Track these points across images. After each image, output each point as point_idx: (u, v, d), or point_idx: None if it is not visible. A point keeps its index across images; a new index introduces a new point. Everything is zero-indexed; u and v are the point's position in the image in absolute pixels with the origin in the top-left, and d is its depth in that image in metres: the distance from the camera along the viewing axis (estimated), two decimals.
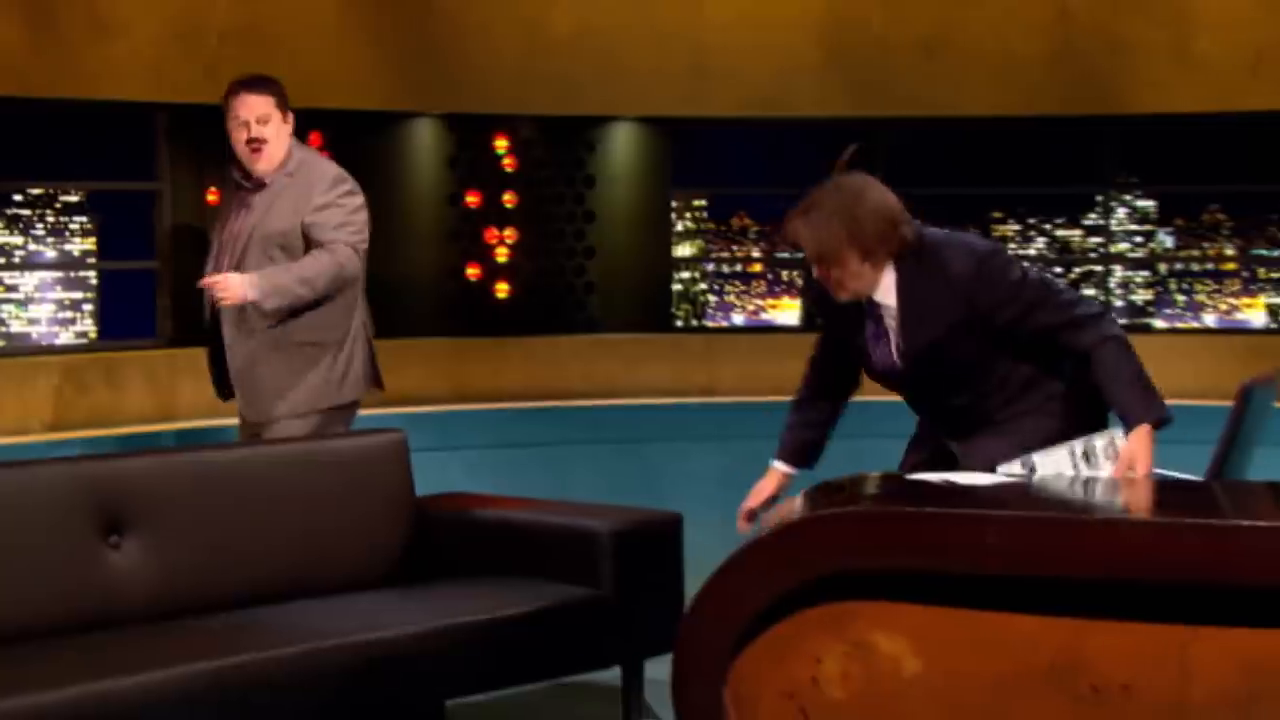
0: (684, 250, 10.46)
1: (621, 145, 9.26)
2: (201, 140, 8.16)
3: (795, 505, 3.66)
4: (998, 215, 11.76)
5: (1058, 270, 11.35)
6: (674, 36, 9.00)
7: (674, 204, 9.67)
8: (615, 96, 9.03)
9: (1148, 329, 9.69)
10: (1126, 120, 9.16)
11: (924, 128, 9.45)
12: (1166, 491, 3.90)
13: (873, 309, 4.31)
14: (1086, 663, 3.29)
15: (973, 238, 4.35)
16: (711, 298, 11.48)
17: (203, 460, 4.77)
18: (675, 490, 7.58)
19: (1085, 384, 4.15)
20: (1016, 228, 11.73)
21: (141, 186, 8.30)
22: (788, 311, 11.52)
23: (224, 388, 5.58)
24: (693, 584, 3.61)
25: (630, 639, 4.76)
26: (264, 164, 5.46)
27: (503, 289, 9.05)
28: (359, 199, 5.53)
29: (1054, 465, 4.10)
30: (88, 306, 10.41)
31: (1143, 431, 4.04)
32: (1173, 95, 8.94)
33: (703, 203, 10.83)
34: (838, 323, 4.42)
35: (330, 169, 5.54)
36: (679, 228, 10.08)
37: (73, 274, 10.66)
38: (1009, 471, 4.06)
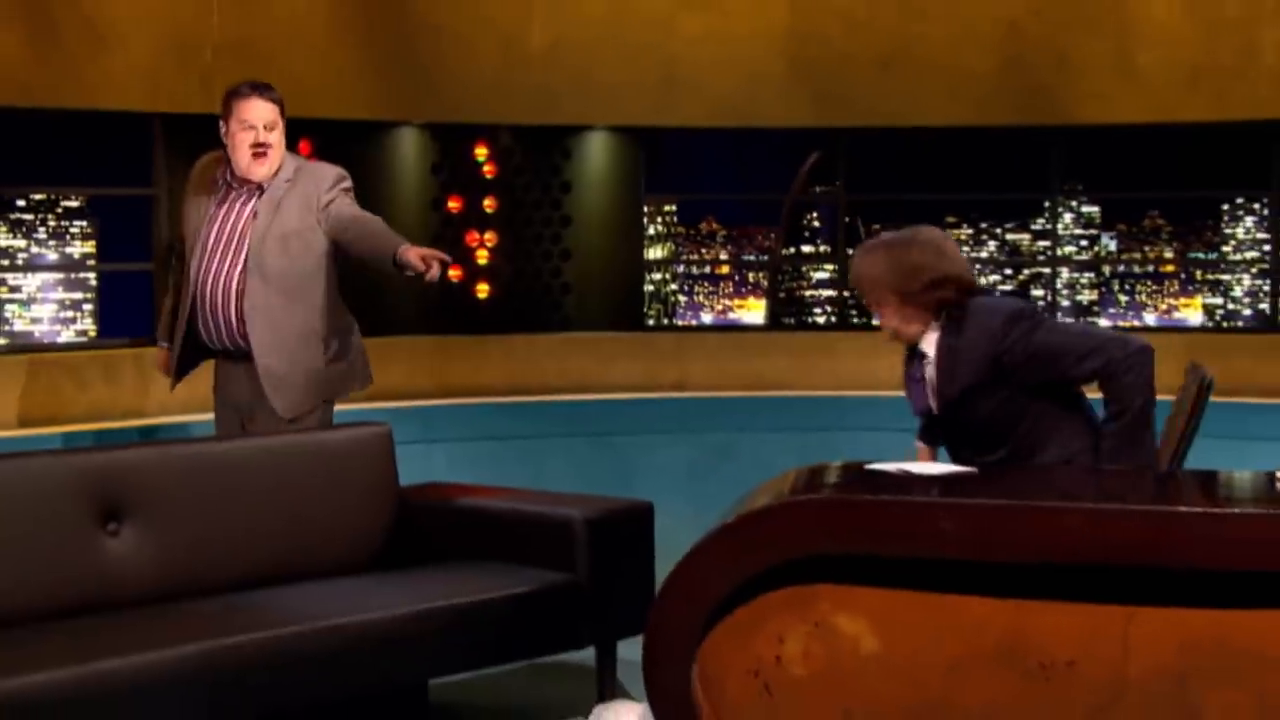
0: (655, 253, 10.47)
1: (596, 153, 9.25)
2: (196, 148, 8.04)
3: (759, 493, 3.67)
4: (952, 220, 11.81)
5: (1008, 272, 11.41)
6: (645, 50, 9.00)
7: (645, 209, 9.66)
8: (589, 107, 9.02)
9: (1093, 325, 9.72)
10: (1072, 131, 9.20)
11: (882, 137, 9.47)
12: (1110, 479, 3.91)
13: (919, 354, 4.40)
14: (1034, 641, 3.31)
15: (1008, 302, 4.36)
16: (681, 298, 11.51)
17: (197, 452, 4.74)
18: (646, 481, 7.58)
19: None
20: (969, 232, 11.78)
21: (139, 192, 8.26)
22: (754, 311, 11.55)
23: (181, 375, 5.54)
24: (663, 569, 3.61)
25: (604, 621, 4.75)
26: (265, 169, 5.39)
27: (483, 290, 9.04)
28: (353, 195, 5.47)
29: None
30: (88, 306, 10.39)
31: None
32: (1116, 107, 8.98)
33: (673, 208, 10.86)
34: None
35: (332, 168, 5.47)
36: (650, 231, 10.09)
37: (73, 275, 10.63)
38: None
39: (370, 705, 4.58)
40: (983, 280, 11.71)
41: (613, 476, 7.84)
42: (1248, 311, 10.53)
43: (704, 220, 11.85)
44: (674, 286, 11.32)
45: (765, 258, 11.76)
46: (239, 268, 5.31)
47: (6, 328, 10.32)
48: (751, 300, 11.73)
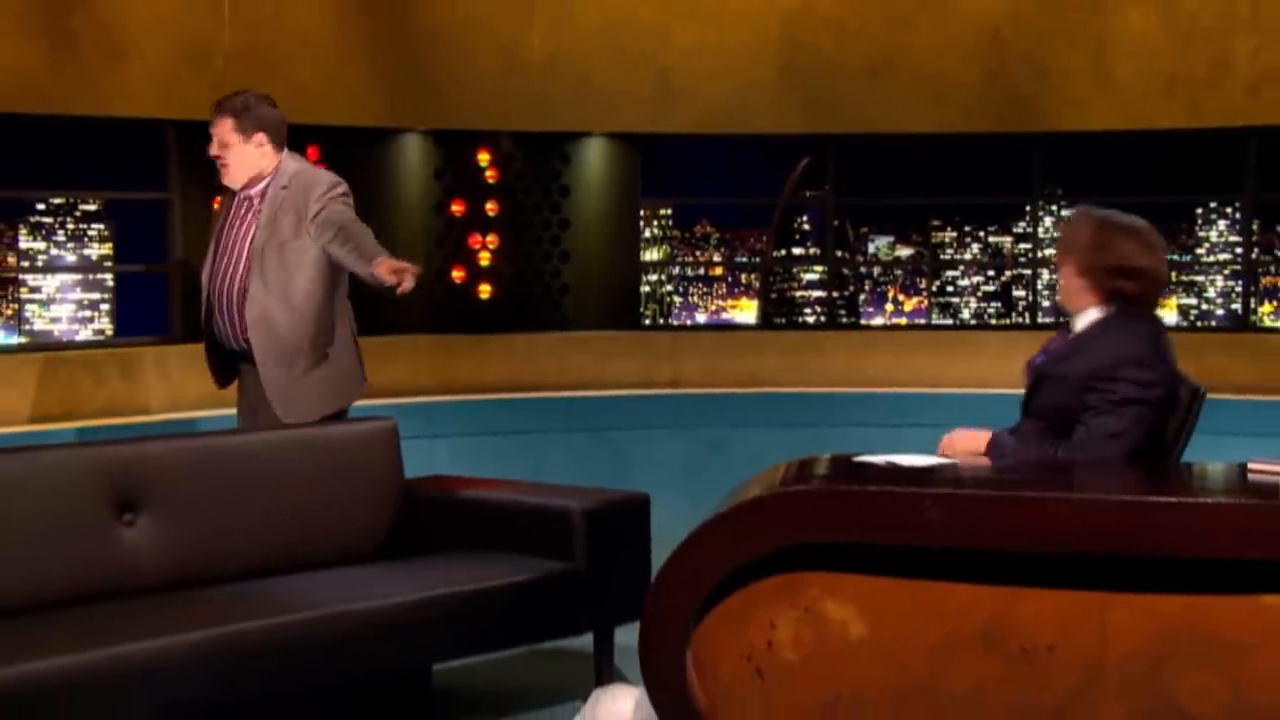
0: (651, 255, 10.47)
1: (593, 159, 9.25)
2: (208, 154, 8.12)
3: (751, 484, 3.67)
4: (937, 223, 11.82)
5: (991, 273, 11.41)
6: (641, 60, 9.00)
7: (642, 212, 9.65)
8: (588, 114, 9.02)
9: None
10: (1052, 137, 9.20)
11: (870, 143, 9.47)
12: (1091, 471, 3.91)
13: (1067, 325, 4.30)
14: (1016, 626, 3.31)
15: (1141, 351, 4.08)
16: (676, 298, 11.51)
17: (210, 445, 4.74)
18: (642, 474, 7.57)
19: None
20: (953, 234, 11.78)
21: (154, 196, 8.25)
22: (746, 311, 11.55)
23: (222, 376, 5.50)
24: (658, 558, 3.60)
25: (601, 608, 4.75)
26: (228, 179, 5.40)
27: (485, 290, 9.03)
28: (351, 202, 5.36)
29: None
30: (105, 306, 10.38)
31: (983, 439, 4.17)
32: (1094, 115, 8.99)
33: (668, 211, 10.86)
34: None
35: (326, 175, 5.39)
36: (646, 234, 10.09)
37: (91, 276, 10.61)
38: None
39: (376, 689, 4.59)
40: (966, 281, 11.72)
41: (610, 470, 7.84)
42: (1221, 312, 10.53)
43: (698, 223, 11.85)
44: (669, 287, 11.31)
45: (757, 260, 11.76)
46: (240, 273, 5.31)
47: (27, 326, 10.31)
48: (744, 300, 11.73)
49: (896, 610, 3.38)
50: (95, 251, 10.60)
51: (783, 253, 11.41)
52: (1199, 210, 10.65)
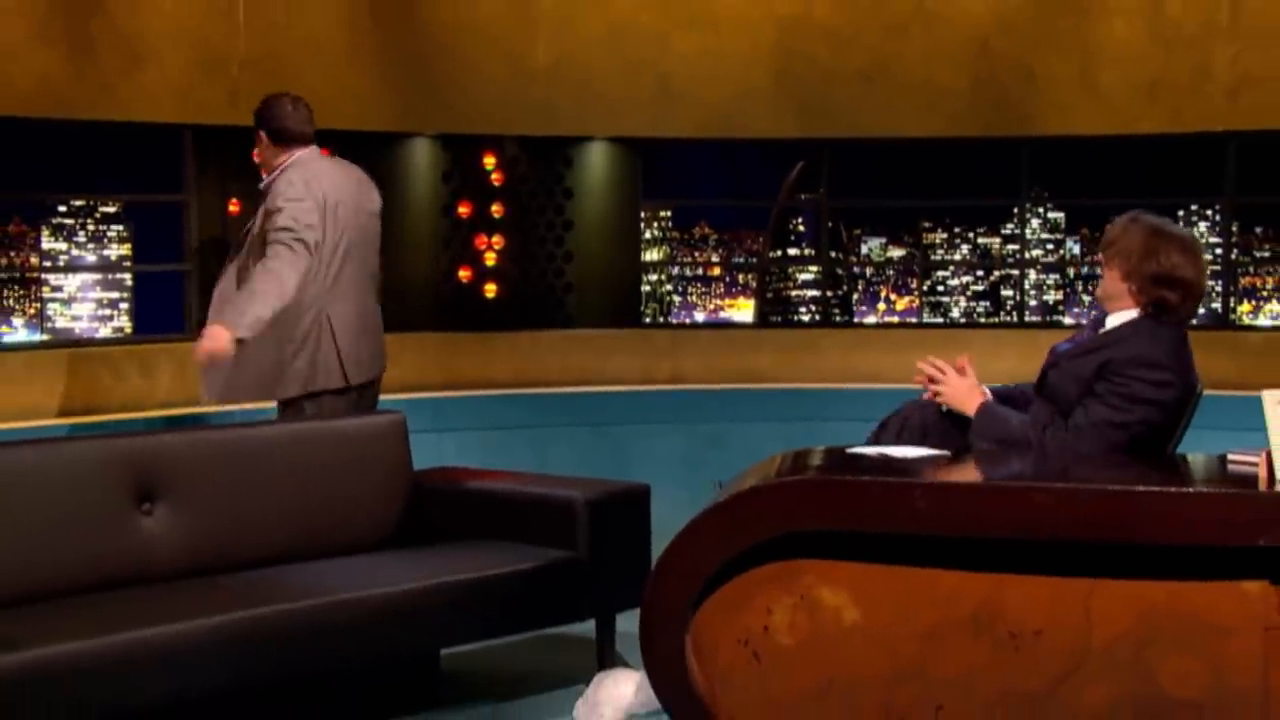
0: (651, 255, 10.45)
1: (596, 162, 9.24)
2: (224, 157, 8.12)
3: (748, 475, 3.67)
4: (927, 225, 11.79)
5: (979, 273, 11.39)
6: (642, 66, 8.99)
7: (642, 214, 9.64)
8: (590, 119, 9.01)
9: (1058, 325, 9.71)
10: (1039, 142, 9.18)
11: (863, 147, 9.45)
12: (1075, 461, 3.91)
13: (1100, 319, 4.27)
14: (1004, 612, 3.31)
15: (1161, 354, 4.07)
16: (676, 297, 11.49)
17: (225, 438, 4.74)
18: (643, 467, 7.56)
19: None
20: (944, 236, 11.76)
21: (171, 198, 8.24)
22: (743, 310, 11.53)
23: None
24: (658, 547, 3.60)
25: (603, 595, 4.75)
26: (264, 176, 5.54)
27: (490, 289, 9.02)
28: (305, 203, 5.27)
29: None
30: (124, 305, 10.36)
31: (973, 403, 4.18)
32: (1080, 120, 8.97)
33: (668, 213, 10.83)
34: None
35: (284, 192, 5.31)
36: (647, 235, 10.07)
37: (110, 276, 10.60)
38: None
39: (385, 673, 4.58)
40: (956, 281, 11.71)
41: (612, 463, 7.83)
42: (1201, 310, 10.51)
43: (697, 225, 11.82)
44: (669, 287, 11.29)
45: (754, 260, 11.75)
46: (236, 264, 5.38)
47: (49, 324, 10.30)
48: (741, 300, 11.71)
49: (889, 597, 3.38)
50: (114, 252, 10.58)
51: (779, 253, 11.40)
52: (1180, 212, 10.61)
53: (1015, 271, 10.25)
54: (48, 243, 10.61)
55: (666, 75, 9.01)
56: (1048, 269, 11.05)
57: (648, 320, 9.87)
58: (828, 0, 9.06)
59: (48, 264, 10.77)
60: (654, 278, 10.68)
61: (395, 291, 8.15)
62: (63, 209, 10.42)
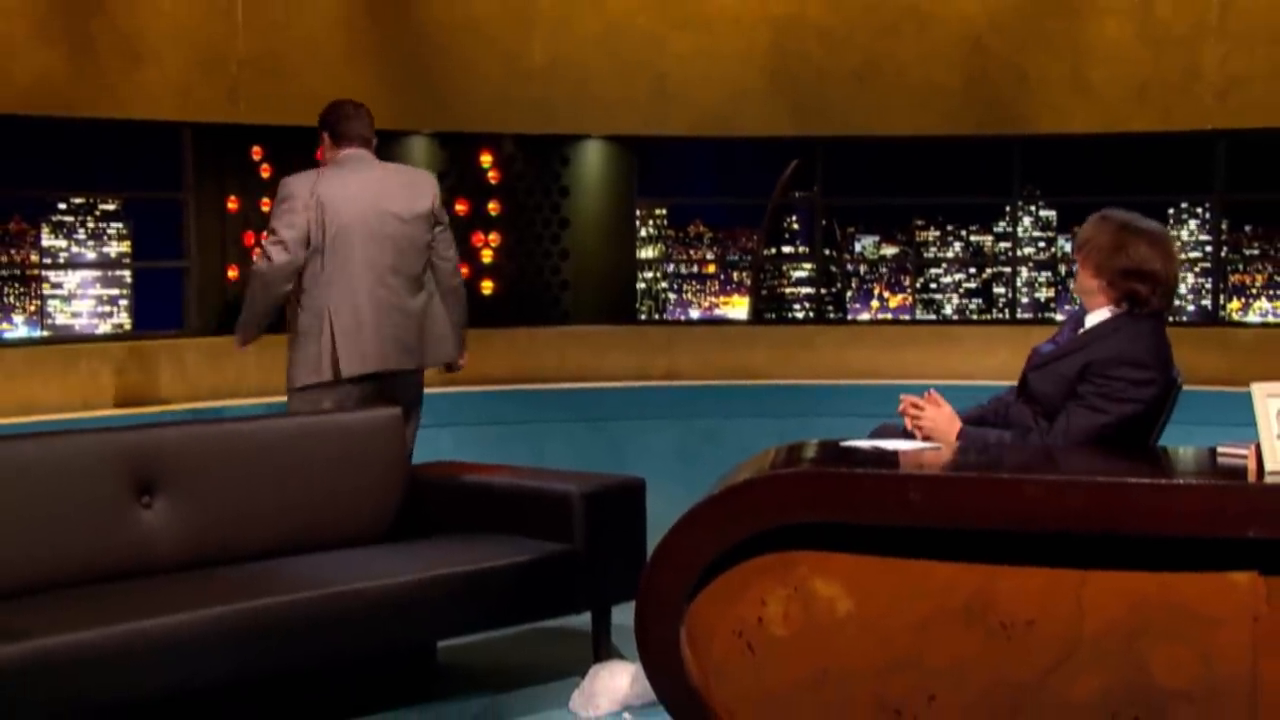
0: (647, 253, 10.45)
1: (591, 161, 9.24)
2: (223, 155, 8.13)
3: (743, 468, 3.66)
4: (920, 222, 11.80)
5: (972, 271, 11.41)
6: (638, 66, 8.99)
7: (638, 212, 9.65)
8: (586, 118, 9.02)
9: (1050, 322, 9.72)
10: (1031, 140, 9.20)
11: (857, 145, 9.46)
12: (1067, 454, 3.91)
13: (1078, 317, 4.28)
14: (996, 602, 3.30)
15: (1141, 351, 4.06)
16: (671, 295, 11.50)
17: (225, 431, 4.73)
18: (638, 461, 7.54)
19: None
20: (936, 233, 11.77)
21: (170, 196, 8.25)
22: (738, 307, 11.54)
23: None
24: (653, 540, 3.60)
25: (599, 588, 4.75)
26: None
27: (488, 286, 9.03)
28: (290, 202, 5.40)
29: None
30: (123, 301, 10.36)
31: (953, 430, 4.17)
32: (1071, 119, 8.99)
33: (663, 211, 10.84)
34: None
35: (313, 173, 5.54)
36: (642, 233, 10.07)
37: (110, 273, 10.60)
38: None
39: (383, 665, 4.58)
40: (949, 279, 11.71)
41: (607, 458, 7.81)
42: (1191, 308, 10.52)
43: (692, 223, 11.83)
44: (664, 284, 11.30)
45: (748, 258, 11.75)
46: None
47: (49, 321, 10.30)
48: (736, 297, 11.72)
49: (882, 588, 3.37)
50: (114, 249, 10.58)
51: (773, 251, 11.40)
52: (1170, 210, 10.64)
53: (1007, 269, 10.26)
54: (48, 240, 10.61)
55: (662, 75, 9.01)
56: (1039, 266, 11.07)
57: (643, 317, 9.88)
58: (821, 0, 9.06)
59: (48, 261, 10.76)
60: (649, 275, 10.68)
61: None
62: (63, 206, 10.42)
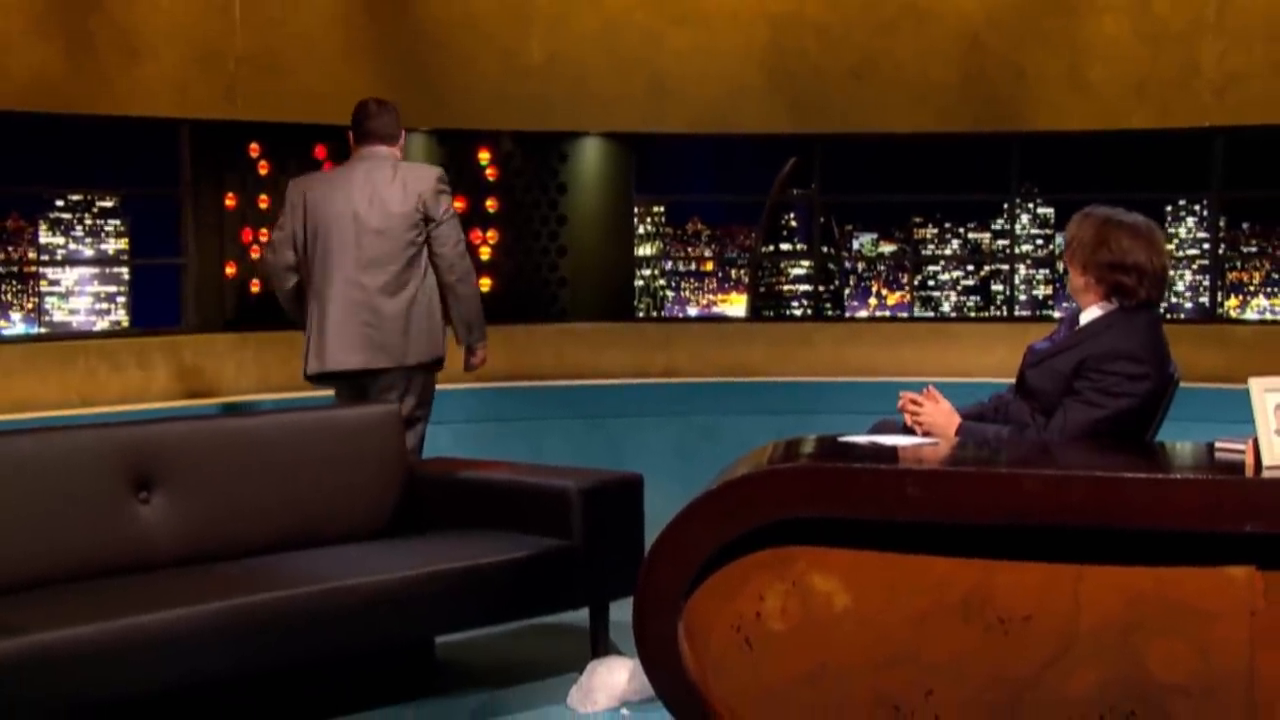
0: (645, 250, 10.46)
1: (590, 158, 9.24)
2: (220, 152, 8.12)
3: (741, 463, 3.66)
4: (918, 220, 11.81)
5: (970, 268, 11.42)
6: (636, 63, 8.99)
7: (636, 209, 9.64)
8: (584, 115, 9.01)
9: (1048, 319, 9.73)
10: (1029, 137, 9.20)
11: (854, 143, 9.46)
12: (1065, 448, 3.92)
13: (1074, 316, 4.29)
14: (993, 597, 3.31)
15: (1135, 346, 4.07)
16: (669, 292, 11.51)
17: (222, 427, 4.75)
18: (636, 458, 7.54)
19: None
20: (934, 231, 11.78)
21: (168, 193, 8.24)
22: (736, 304, 11.55)
23: None
24: (651, 536, 3.60)
25: (597, 583, 4.75)
26: None
27: (485, 283, 9.01)
28: (286, 205, 5.70)
29: None
30: (121, 298, 10.37)
31: (952, 426, 4.17)
32: (1069, 116, 8.98)
33: (661, 209, 10.85)
34: None
35: (321, 171, 5.74)
36: (640, 230, 10.07)
37: (107, 270, 10.60)
38: None
39: (381, 660, 4.58)
40: (947, 276, 11.72)
41: (605, 455, 7.82)
42: (1189, 305, 10.53)
43: (690, 220, 11.84)
44: (662, 281, 11.31)
45: (746, 255, 11.75)
46: None
47: (46, 318, 10.30)
48: (734, 294, 11.73)
49: (880, 583, 3.38)
50: (112, 246, 10.58)
51: (771, 248, 11.41)
52: (1168, 207, 10.65)
53: (1005, 266, 10.26)
54: (45, 237, 10.61)
55: (660, 72, 9.01)
56: (1037, 264, 11.07)
57: (641, 314, 9.88)
58: None
59: (45, 258, 10.76)
60: (647, 272, 10.69)
61: None
62: (60, 203, 10.42)
